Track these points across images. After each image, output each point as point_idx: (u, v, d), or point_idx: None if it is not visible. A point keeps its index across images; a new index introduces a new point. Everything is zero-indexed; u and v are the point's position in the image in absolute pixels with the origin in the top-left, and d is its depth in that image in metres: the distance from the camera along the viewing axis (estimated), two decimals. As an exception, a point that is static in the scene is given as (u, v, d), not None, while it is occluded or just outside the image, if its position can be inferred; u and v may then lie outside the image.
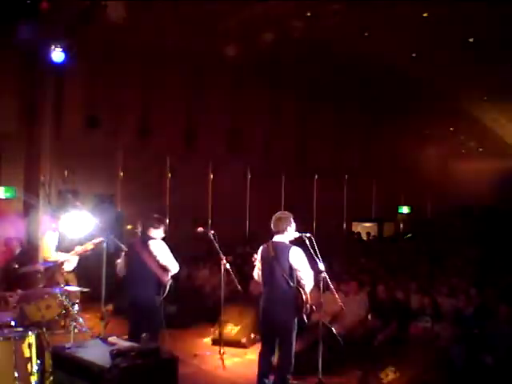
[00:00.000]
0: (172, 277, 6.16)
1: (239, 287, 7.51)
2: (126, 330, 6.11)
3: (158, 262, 6.03)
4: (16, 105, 11.97)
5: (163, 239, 6.24)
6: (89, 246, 7.41)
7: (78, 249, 7.48)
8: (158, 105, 14.71)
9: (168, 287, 6.11)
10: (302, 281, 5.47)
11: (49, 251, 7.43)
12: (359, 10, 11.23)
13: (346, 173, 20.14)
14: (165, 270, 6.06)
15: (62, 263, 7.37)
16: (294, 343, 5.51)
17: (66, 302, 5.70)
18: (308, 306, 5.48)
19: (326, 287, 6.12)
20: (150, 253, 6.02)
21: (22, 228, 11.21)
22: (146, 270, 5.99)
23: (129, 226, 7.96)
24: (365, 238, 18.97)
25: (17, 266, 7.71)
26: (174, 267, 6.11)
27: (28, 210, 11.49)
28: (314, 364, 6.01)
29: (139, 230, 7.56)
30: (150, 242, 6.09)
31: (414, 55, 14.54)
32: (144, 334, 4.53)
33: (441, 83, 16.61)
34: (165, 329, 6.15)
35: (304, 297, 5.44)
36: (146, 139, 14.59)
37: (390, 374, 5.92)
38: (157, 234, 6.21)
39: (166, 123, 14.83)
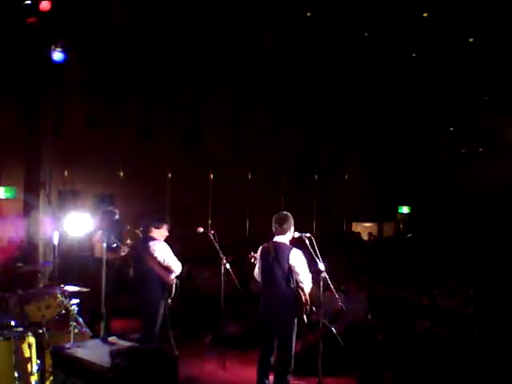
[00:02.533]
0: (176, 277, 6.17)
1: (239, 287, 7.52)
2: (127, 330, 6.11)
3: (160, 263, 6.02)
4: (16, 105, 11.97)
5: (166, 239, 6.23)
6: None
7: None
8: (158, 105, 14.71)
9: (174, 288, 6.12)
10: (300, 283, 5.47)
11: (102, 251, 7.47)
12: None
13: (345, 173, 20.13)
14: (168, 270, 6.04)
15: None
16: (293, 343, 5.52)
17: (66, 302, 5.69)
18: (308, 306, 5.48)
19: (326, 287, 6.12)
20: (151, 254, 6.01)
21: (22, 228, 11.22)
22: (148, 272, 6.00)
23: (128, 227, 7.94)
24: (366, 239, 18.92)
25: (20, 264, 7.69)
26: (177, 268, 6.11)
27: (28, 210, 11.49)
28: (313, 364, 6.01)
29: (140, 230, 7.61)
30: (151, 244, 6.08)
31: (413, 55, 14.54)
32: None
33: (440, 82, 16.61)
34: (170, 329, 6.17)
35: (304, 297, 5.44)
36: (146, 139, 14.58)
37: (390, 374, 5.92)
38: (159, 234, 6.20)
39: (166, 123, 14.83)
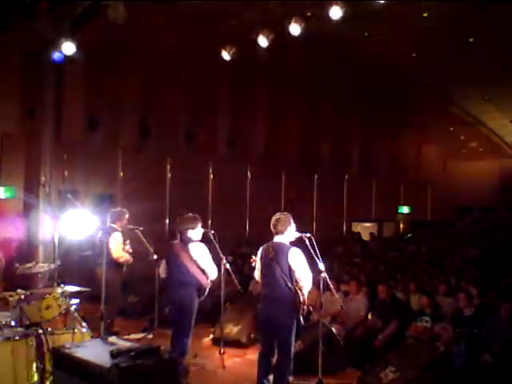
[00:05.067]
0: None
1: (239, 287, 7.52)
2: (129, 330, 6.10)
3: (197, 265, 6.08)
4: (16, 105, 11.97)
5: (201, 239, 6.29)
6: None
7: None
8: (158, 105, 14.70)
9: (207, 290, 6.17)
10: (300, 282, 5.47)
11: (119, 251, 7.51)
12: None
13: (345, 173, 20.13)
14: (204, 273, 6.10)
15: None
16: (292, 343, 5.51)
17: (66, 302, 5.69)
18: (305, 307, 5.47)
19: (326, 287, 6.11)
20: (190, 256, 6.07)
21: (22, 228, 11.22)
22: (185, 273, 6.05)
23: (130, 226, 7.96)
24: (367, 238, 18.79)
25: (18, 266, 7.70)
26: (212, 272, 6.14)
27: (28, 210, 11.49)
28: (314, 364, 6.01)
29: (140, 229, 7.66)
30: (190, 246, 6.13)
31: (414, 55, 14.55)
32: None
33: (441, 83, 16.62)
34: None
35: (301, 298, 5.42)
36: (146, 139, 14.58)
37: (390, 374, 5.92)
38: (195, 234, 6.24)
39: (166, 123, 14.82)
